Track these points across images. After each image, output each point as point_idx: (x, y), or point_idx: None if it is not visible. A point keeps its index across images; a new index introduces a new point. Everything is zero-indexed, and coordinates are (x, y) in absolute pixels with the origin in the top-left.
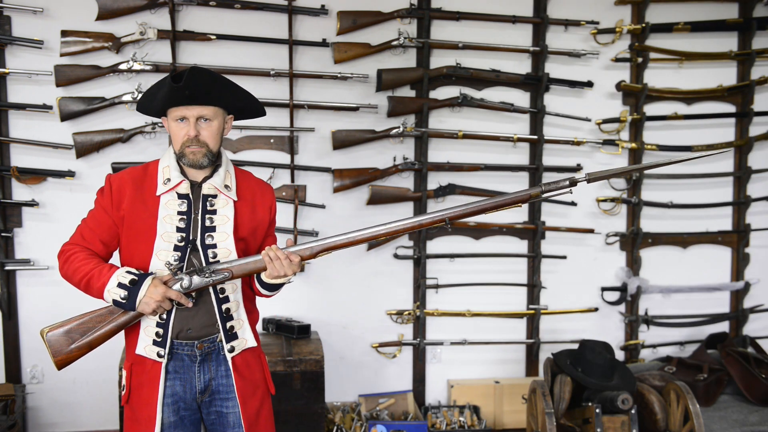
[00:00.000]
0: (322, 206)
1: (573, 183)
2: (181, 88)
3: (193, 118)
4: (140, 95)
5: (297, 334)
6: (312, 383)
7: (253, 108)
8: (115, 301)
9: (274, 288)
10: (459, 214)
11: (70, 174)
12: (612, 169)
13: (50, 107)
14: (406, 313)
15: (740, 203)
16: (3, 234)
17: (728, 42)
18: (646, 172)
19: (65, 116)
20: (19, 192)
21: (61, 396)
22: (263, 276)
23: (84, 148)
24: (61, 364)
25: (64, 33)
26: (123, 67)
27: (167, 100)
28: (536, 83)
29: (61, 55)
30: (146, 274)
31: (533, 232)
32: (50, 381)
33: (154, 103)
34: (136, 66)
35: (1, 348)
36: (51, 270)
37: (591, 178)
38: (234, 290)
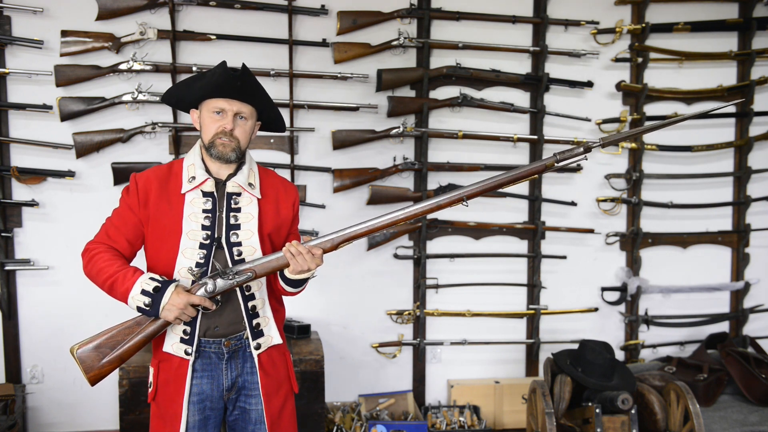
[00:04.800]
0: (322, 206)
1: (587, 149)
2: (237, 77)
3: (231, 112)
4: (140, 93)
5: (297, 334)
6: (312, 383)
7: (278, 122)
8: (138, 308)
9: (299, 284)
10: (477, 191)
11: (70, 174)
12: (625, 132)
13: (50, 107)
14: (406, 313)
15: (740, 203)
16: (3, 234)
17: (728, 42)
18: (647, 171)
19: (65, 116)
20: (19, 192)
21: (61, 396)
22: (286, 272)
23: (84, 148)
24: (94, 380)
25: (64, 33)
26: (123, 67)
27: (214, 88)
28: (536, 83)
29: (61, 55)
30: (169, 281)
31: (533, 232)
32: (50, 381)
33: (189, 93)
34: (136, 66)
35: (1, 348)
36: (51, 270)
37: (605, 143)
38: (259, 288)
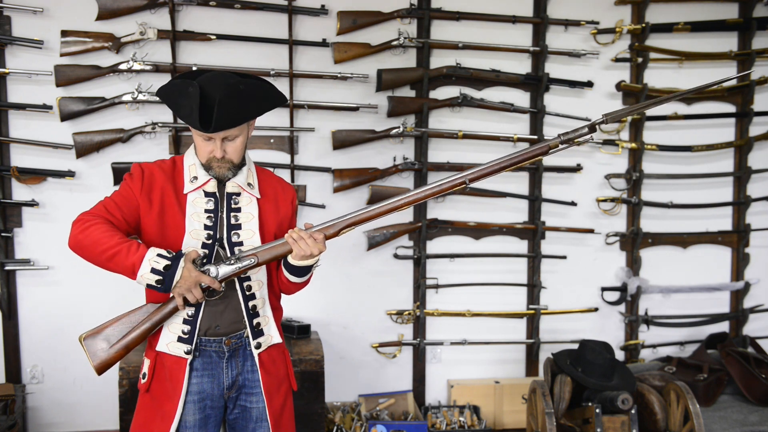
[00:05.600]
0: (322, 206)
1: (592, 128)
2: (209, 131)
3: (219, 139)
4: (140, 93)
5: (297, 334)
6: (312, 383)
7: (277, 100)
8: (149, 285)
9: (303, 273)
10: (479, 174)
11: (70, 174)
12: (629, 107)
13: (50, 107)
14: (406, 313)
15: (740, 203)
16: (3, 234)
17: (728, 42)
18: (647, 171)
19: (65, 116)
20: (19, 192)
21: (61, 396)
22: (290, 258)
23: (84, 148)
24: (100, 369)
25: (64, 33)
26: (123, 67)
27: (193, 125)
28: (536, 83)
29: (61, 55)
30: (178, 255)
31: (533, 232)
32: (50, 381)
33: (176, 107)
34: (136, 66)
35: (1, 348)
36: (51, 270)
37: (609, 118)
38: (260, 287)
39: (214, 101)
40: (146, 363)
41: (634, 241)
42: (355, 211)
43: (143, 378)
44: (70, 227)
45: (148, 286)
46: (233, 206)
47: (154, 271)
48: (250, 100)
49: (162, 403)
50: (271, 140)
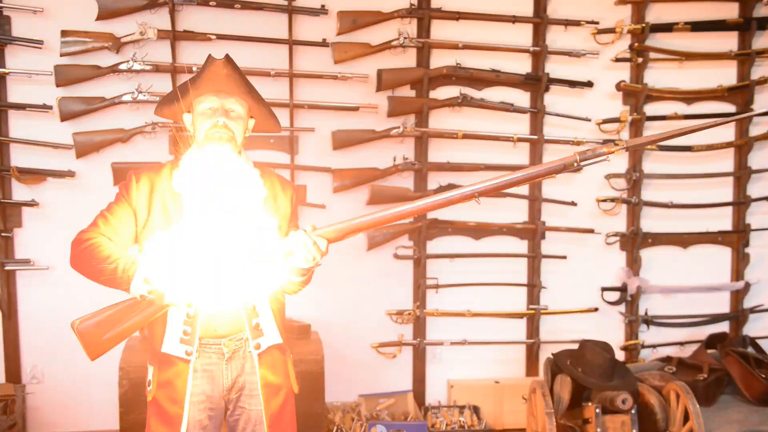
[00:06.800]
0: (322, 206)
1: (611, 151)
2: (223, 63)
3: (222, 109)
4: (140, 93)
5: (297, 334)
6: (312, 383)
7: (271, 119)
8: (142, 296)
9: (303, 272)
10: (491, 188)
11: (70, 174)
12: (650, 136)
13: (50, 107)
14: (406, 313)
15: (740, 203)
16: (3, 234)
17: (728, 42)
18: (647, 171)
19: (65, 116)
20: (19, 192)
21: (61, 396)
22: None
23: (84, 148)
24: (94, 356)
25: (64, 33)
26: (123, 67)
27: (203, 80)
28: (536, 83)
29: (61, 55)
30: None
31: (533, 232)
32: (50, 381)
33: (180, 98)
34: (136, 66)
35: (1, 348)
36: (51, 270)
37: (629, 146)
38: None
39: (220, 62)
40: (150, 370)
41: (634, 241)
42: (362, 217)
43: (149, 386)
44: (70, 247)
45: (142, 297)
46: None
47: (147, 281)
48: (252, 87)
49: (167, 407)
50: (271, 140)
